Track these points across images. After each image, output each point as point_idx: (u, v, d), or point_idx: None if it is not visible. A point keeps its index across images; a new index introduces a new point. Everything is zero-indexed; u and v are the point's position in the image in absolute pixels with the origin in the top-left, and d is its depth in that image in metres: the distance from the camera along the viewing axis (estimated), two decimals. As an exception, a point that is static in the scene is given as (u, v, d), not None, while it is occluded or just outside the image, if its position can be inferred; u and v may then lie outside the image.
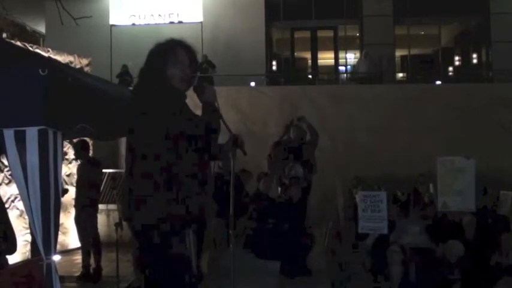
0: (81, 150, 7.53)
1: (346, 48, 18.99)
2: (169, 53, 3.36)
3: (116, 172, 10.04)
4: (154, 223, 3.11)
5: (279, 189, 8.13)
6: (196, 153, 3.23)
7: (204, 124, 3.25)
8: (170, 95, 3.26)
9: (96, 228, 7.67)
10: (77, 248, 8.19)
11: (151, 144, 3.14)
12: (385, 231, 6.86)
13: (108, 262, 7.45)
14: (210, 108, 3.33)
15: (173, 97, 3.26)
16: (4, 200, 6.71)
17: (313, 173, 8.65)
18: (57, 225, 3.43)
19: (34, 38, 19.59)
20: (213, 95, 3.36)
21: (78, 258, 7.94)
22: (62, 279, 6.89)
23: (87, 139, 7.45)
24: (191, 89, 3.41)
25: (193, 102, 3.45)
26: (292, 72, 19.08)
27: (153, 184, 3.12)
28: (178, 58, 3.37)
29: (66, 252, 8.92)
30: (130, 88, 5.07)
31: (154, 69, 3.33)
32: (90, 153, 7.85)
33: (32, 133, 3.28)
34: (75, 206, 7.66)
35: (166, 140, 3.13)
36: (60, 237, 8.19)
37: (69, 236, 9.18)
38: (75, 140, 7.53)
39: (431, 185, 9.16)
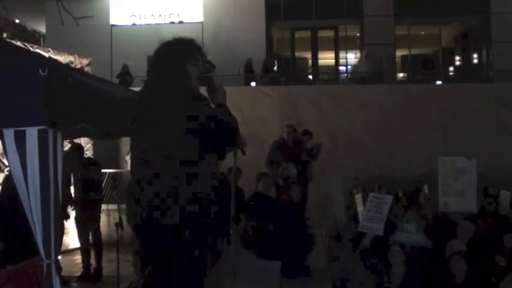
0: (78, 152, 7.58)
1: (347, 48, 18.97)
2: (188, 53, 3.36)
3: (116, 172, 10.04)
4: (161, 225, 3.08)
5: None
6: (213, 153, 3.22)
7: (224, 123, 3.23)
8: (192, 94, 3.24)
9: (99, 228, 7.67)
10: (77, 248, 8.19)
11: (167, 144, 3.10)
12: (381, 233, 6.94)
13: (108, 262, 7.45)
14: (222, 108, 3.31)
15: (195, 96, 3.24)
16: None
17: (310, 175, 8.72)
18: (57, 225, 3.41)
19: (34, 38, 19.56)
20: (224, 95, 3.36)
21: (78, 258, 7.94)
22: (67, 281, 6.91)
23: (82, 142, 7.51)
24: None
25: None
26: (293, 72, 19.06)
27: (172, 184, 3.09)
28: (197, 58, 3.39)
29: (66, 252, 8.91)
30: (131, 88, 5.04)
31: (173, 69, 3.30)
32: (87, 154, 7.87)
33: (32, 133, 3.28)
34: (75, 207, 7.66)
35: (184, 139, 3.10)
36: (61, 237, 8.17)
37: (69, 236, 9.16)
38: (83, 141, 7.58)
39: (426, 186, 9.16)
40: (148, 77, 3.45)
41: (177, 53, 3.36)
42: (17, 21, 16.79)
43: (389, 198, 7.21)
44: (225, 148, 3.33)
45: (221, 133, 3.18)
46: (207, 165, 3.17)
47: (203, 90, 3.40)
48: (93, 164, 7.68)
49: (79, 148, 7.68)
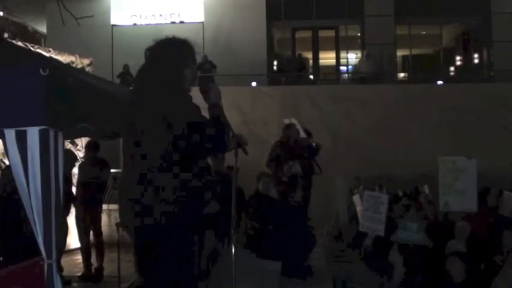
0: (91, 151, 7.59)
1: (347, 48, 18.98)
2: (184, 55, 3.33)
3: (117, 172, 10.02)
4: (159, 223, 3.08)
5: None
6: (205, 155, 3.20)
7: (214, 125, 3.21)
8: (184, 97, 3.24)
9: (100, 228, 7.68)
10: (77, 248, 8.20)
11: (162, 145, 3.08)
12: (382, 234, 6.94)
13: (109, 262, 7.45)
14: (216, 109, 3.30)
15: (187, 100, 3.23)
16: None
17: (315, 173, 8.71)
18: (58, 225, 3.42)
19: (35, 38, 19.56)
20: (218, 95, 3.35)
21: (79, 258, 7.94)
22: (68, 281, 6.92)
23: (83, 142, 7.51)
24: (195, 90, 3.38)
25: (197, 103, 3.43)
26: (293, 72, 19.07)
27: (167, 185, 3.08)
28: (190, 60, 3.36)
29: (67, 252, 8.91)
30: (132, 88, 5.03)
31: (168, 70, 3.24)
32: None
33: (33, 133, 3.28)
34: (76, 206, 7.66)
35: (178, 141, 3.08)
36: (61, 237, 8.17)
37: (70, 236, 9.15)
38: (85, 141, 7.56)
39: (426, 186, 9.15)
40: (139, 77, 3.36)
41: (172, 55, 3.31)
42: (15, 20, 16.79)
43: (384, 198, 7.21)
44: (211, 153, 3.32)
45: (208, 139, 3.15)
46: (196, 167, 3.17)
47: (196, 90, 3.39)
48: (104, 164, 7.69)
49: (93, 146, 7.64)
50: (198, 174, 3.18)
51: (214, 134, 3.15)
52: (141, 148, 3.14)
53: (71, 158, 7.50)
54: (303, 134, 8.79)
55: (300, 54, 18.03)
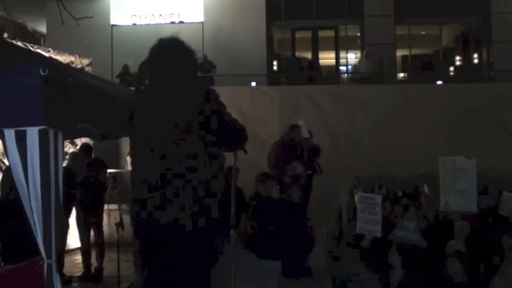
0: (84, 154, 7.59)
1: (347, 48, 18.98)
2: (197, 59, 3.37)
3: (117, 172, 10.04)
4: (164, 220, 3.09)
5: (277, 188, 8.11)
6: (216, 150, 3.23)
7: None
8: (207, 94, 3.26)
9: (101, 229, 7.68)
10: (77, 248, 8.20)
11: (176, 144, 3.09)
12: (379, 235, 6.96)
13: (109, 262, 7.45)
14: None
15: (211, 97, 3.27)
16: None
17: (316, 173, 8.72)
18: (58, 225, 3.41)
19: (35, 38, 19.55)
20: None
21: (79, 258, 7.94)
22: (68, 281, 6.93)
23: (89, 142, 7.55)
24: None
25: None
26: (293, 72, 19.07)
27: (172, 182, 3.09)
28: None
29: (67, 252, 8.91)
30: (131, 88, 5.03)
31: (189, 69, 3.28)
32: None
33: (32, 133, 3.28)
34: (76, 206, 7.66)
35: (194, 139, 3.10)
36: (61, 237, 8.16)
37: (70, 236, 9.15)
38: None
39: (426, 186, 9.17)
40: (155, 75, 3.30)
41: (189, 53, 3.34)
42: (15, 20, 16.81)
43: (378, 199, 7.26)
44: (234, 147, 3.47)
45: (232, 133, 3.26)
46: (214, 166, 3.18)
47: None
48: (101, 164, 7.69)
49: (88, 148, 7.68)
50: (212, 172, 3.18)
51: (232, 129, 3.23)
52: (159, 146, 3.13)
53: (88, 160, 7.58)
54: (306, 134, 8.78)
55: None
